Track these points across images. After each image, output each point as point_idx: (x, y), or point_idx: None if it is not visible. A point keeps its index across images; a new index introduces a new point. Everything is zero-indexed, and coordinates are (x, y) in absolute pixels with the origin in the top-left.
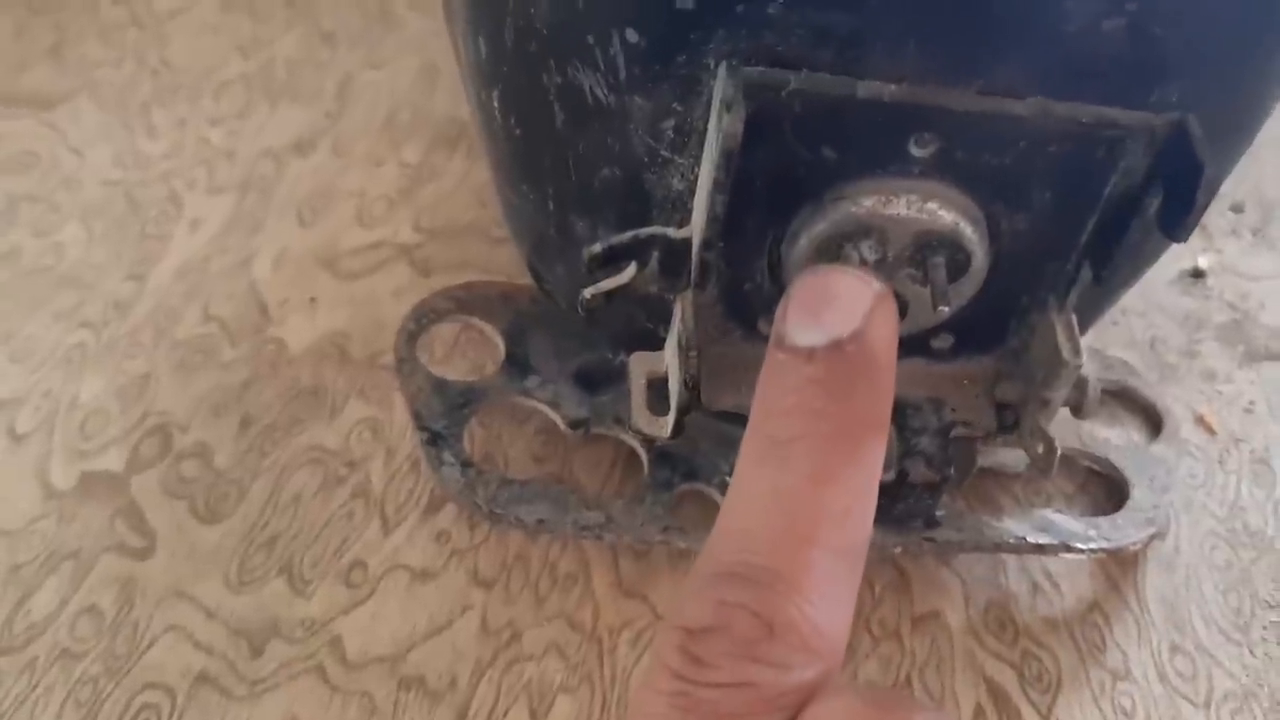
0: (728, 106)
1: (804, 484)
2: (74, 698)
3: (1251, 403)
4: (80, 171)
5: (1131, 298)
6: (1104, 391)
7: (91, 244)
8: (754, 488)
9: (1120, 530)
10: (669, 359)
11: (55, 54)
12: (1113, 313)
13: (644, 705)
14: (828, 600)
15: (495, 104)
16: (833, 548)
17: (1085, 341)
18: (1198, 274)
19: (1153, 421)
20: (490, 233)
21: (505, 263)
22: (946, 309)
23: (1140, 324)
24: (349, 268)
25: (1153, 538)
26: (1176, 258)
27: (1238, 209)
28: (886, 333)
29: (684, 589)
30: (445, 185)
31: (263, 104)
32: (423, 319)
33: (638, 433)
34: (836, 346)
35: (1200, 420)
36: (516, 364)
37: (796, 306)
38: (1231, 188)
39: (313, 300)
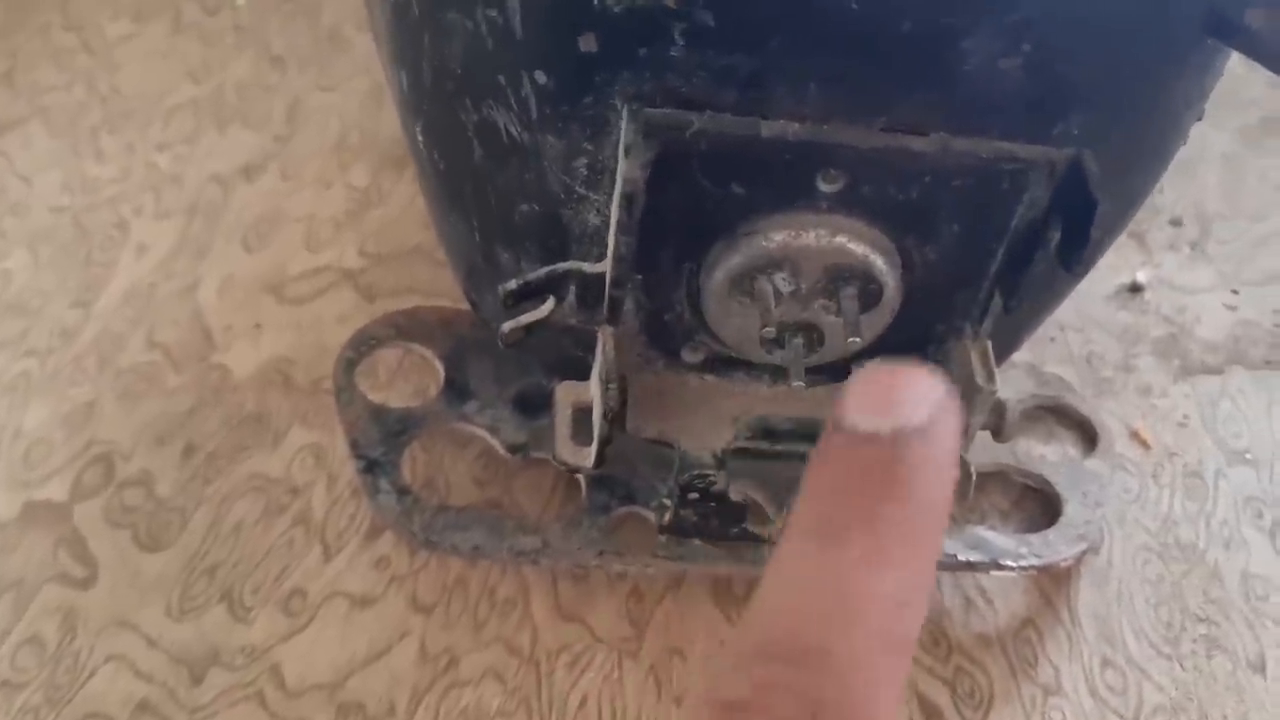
0: (627, 151)
1: (857, 565)
2: None
3: (1186, 416)
4: (28, 198)
5: (1068, 313)
6: (1039, 407)
7: (38, 270)
8: (804, 565)
9: (1052, 546)
10: (593, 390)
11: (7, 80)
12: (1050, 329)
13: None
14: (874, 691)
15: (420, 137)
16: (883, 635)
17: (1021, 358)
18: (1136, 288)
19: (1088, 437)
20: (435, 256)
21: (450, 287)
22: (859, 339)
23: (1078, 339)
24: (294, 293)
25: (1084, 553)
26: (1115, 272)
27: (1176, 223)
28: (952, 430)
29: (717, 663)
30: (391, 209)
31: (211, 128)
32: (362, 346)
33: (562, 463)
34: (901, 434)
35: (1135, 435)
36: (456, 389)
37: (860, 394)
38: (1170, 202)
39: (258, 326)
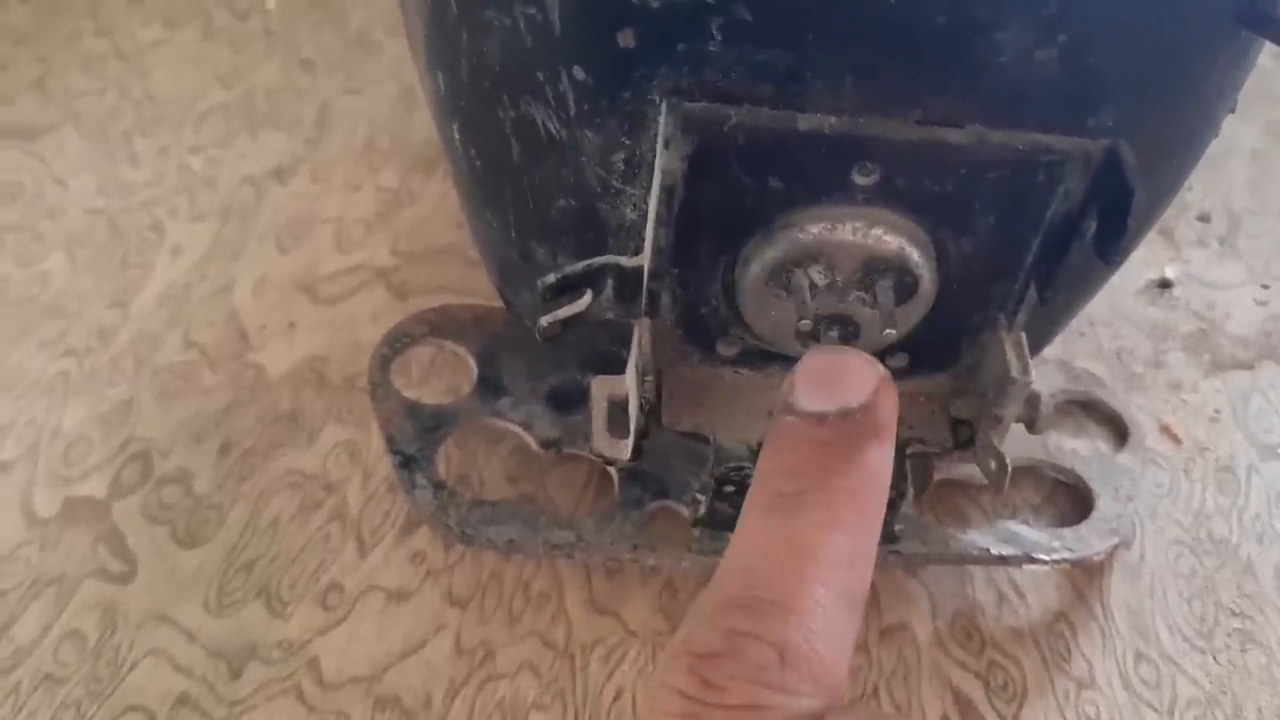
0: (666, 143)
1: (812, 530)
2: None
3: (1217, 411)
4: (64, 201)
5: (1099, 308)
6: (1070, 402)
7: (75, 273)
8: (762, 533)
9: (1084, 541)
10: (629, 383)
11: (40, 86)
12: (1080, 324)
13: None
14: (832, 638)
15: (456, 135)
16: (837, 590)
17: (1052, 353)
18: (1165, 284)
19: (1119, 432)
20: (467, 255)
21: (481, 284)
22: (894, 331)
23: (1107, 334)
24: (327, 292)
25: (1116, 547)
26: (1144, 268)
27: (1205, 219)
28: (891, 409)
29: (688, 620)
30: (423, 209)
31: (243, 132)
32: (396, 344)
33: (599, 456)
34: (847, 414)
35: (1166, 430)
36: (489, 386)
37: (806, 380)
38: (1199, 198)
39: (291, 325)
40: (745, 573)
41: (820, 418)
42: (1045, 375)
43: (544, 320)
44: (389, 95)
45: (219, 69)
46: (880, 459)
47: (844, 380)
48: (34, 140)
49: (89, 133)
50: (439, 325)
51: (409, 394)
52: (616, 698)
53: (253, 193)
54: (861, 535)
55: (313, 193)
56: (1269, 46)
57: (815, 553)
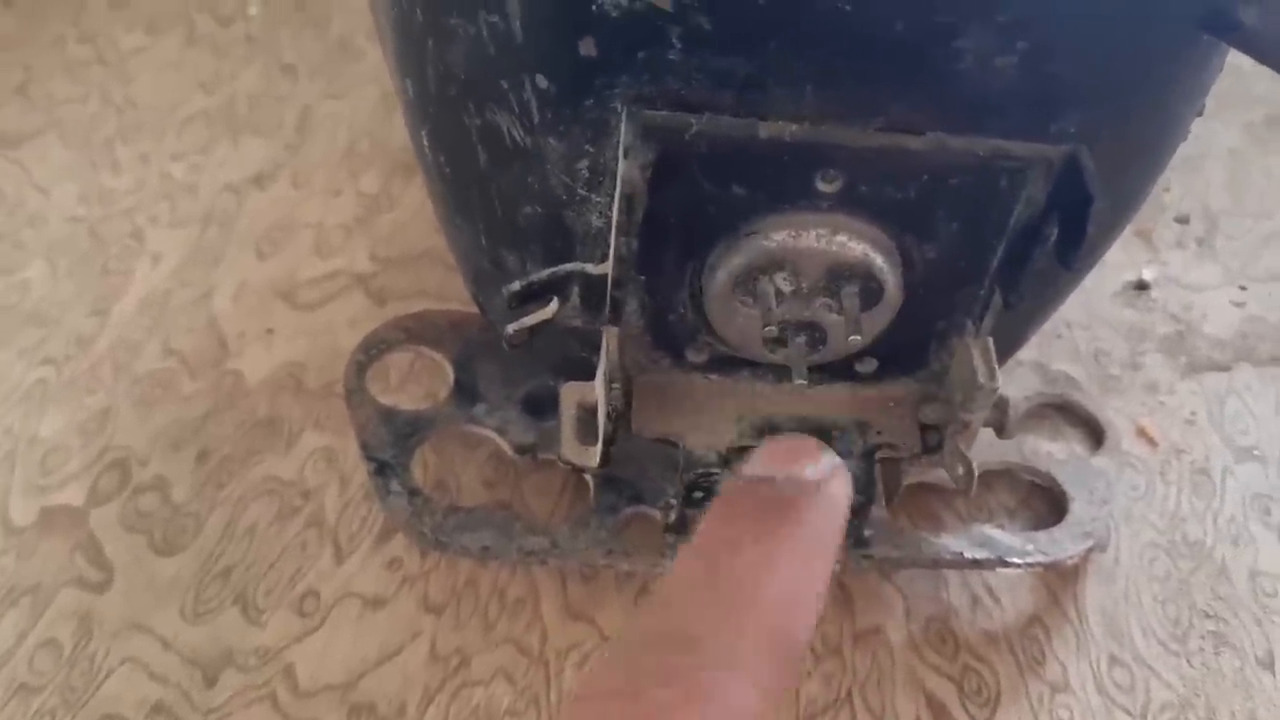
0: (626, 152)
1: (744, 568)
2: None
3: (1193, 414)
4: (45, 209)
5: (1075, 311)
6: (1046, 405)
7: (56, 280)
8: (691, 568)
9: (1058, 544)
10: (598, 389)
11: (22, 92)
12: (1057, 326)
13: None
14: (748, 682)
15: (426, 142)
16: (769, 635)
17: (1028, 356)
18: (1142, 286)
19: (1095, 434)
20: (446, 260)
21: (460, 290)
22: (859, 337)
23: (1084, 337)
24: (306, 298)
25: (1091, 550)
26: (1122, 270)
27: (1183, 220)
28: (841, 489)
29: (597, 659)
30: (402, 214)
31: (224, 138)
32: (372, 350)
33: (567, 463)
34: (795, 480)
35: (1142, 432)
36: (465, 392)
37: (761, 455)
38: (1177, 199)
39: (270, 331)
40: (662, 608)
41: (770, 481)
42: (1021, 378)
43: (510, 327)
44: (370, 100)
45: (201, 75)
46: (826, 524)
47: (799, 457)
48: (16, 148)
49: (71, 140)
50: (416, 331)
51: (386, 400)
52: None
53: (233, 199)
54: (799, 585)
55: (293, 198)
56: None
57: (745, 593)
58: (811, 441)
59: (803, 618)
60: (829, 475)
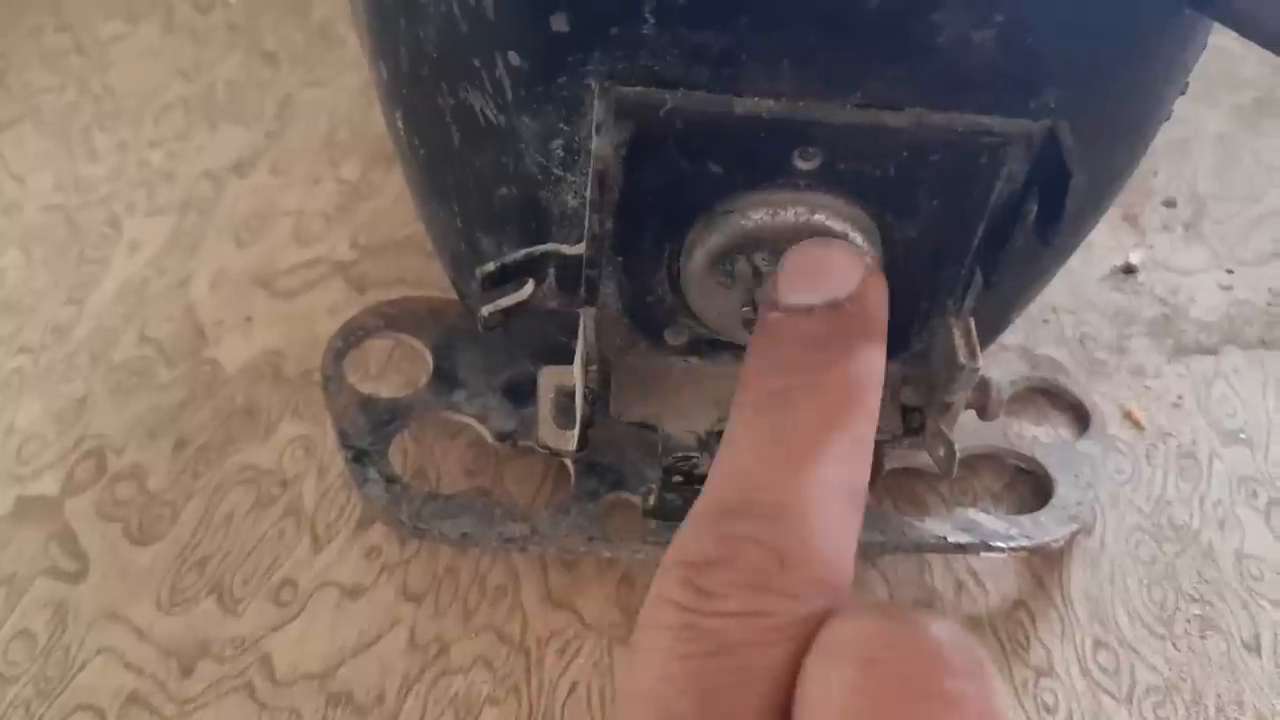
0: (598, 128)
1: (807, 425)
2: None
3: (1180, 397)
4: (21, 197)
5: (1062, 295)
6: (1032, 389)
7: (31, 269)
8: (754, 431)
9: (1042, 528)
10: (575, 373)
11: None
12: (1043, 310)
13: (648, 640)
14: (834, 535)
15: (400, 124)
16: (836, 487)
17: (1013, 340)
18: (1129, 269)
19: (1080, 418)
20: (426, 248)
21: (440, 277)
22: None
23: (1070, 321)
24: (285, 286)
25: (1076, 534)
26: (1108, 253)
27: (1170, 204)
28: (879, 298)
29: (682, 530)
30: (383, 202)
31: (203, 126)
32: (350, 337)
33: (544, 448)
34: (835, 305)
35: (1128, 416)
36: (445, 378)
37: (791, 273)
38: (1164, 183)
39: (249, 319)
40: (737, 475)
41: (806, 311)
42: (1006, 362)
43: (485, 310)
44: (351, 88)
45: (180, 63)
46: (871, 349)
47: (829, 272)
48: None
49: (48, 128)
50: (394, 318)
51: (366, 388)
52: (571, 691)
53: (212, 187)
54: (856, 428)
55: (272, 186)
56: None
57: (809, 448)
58: (836, 246)
59: (863, 463)
60: (864, 285)
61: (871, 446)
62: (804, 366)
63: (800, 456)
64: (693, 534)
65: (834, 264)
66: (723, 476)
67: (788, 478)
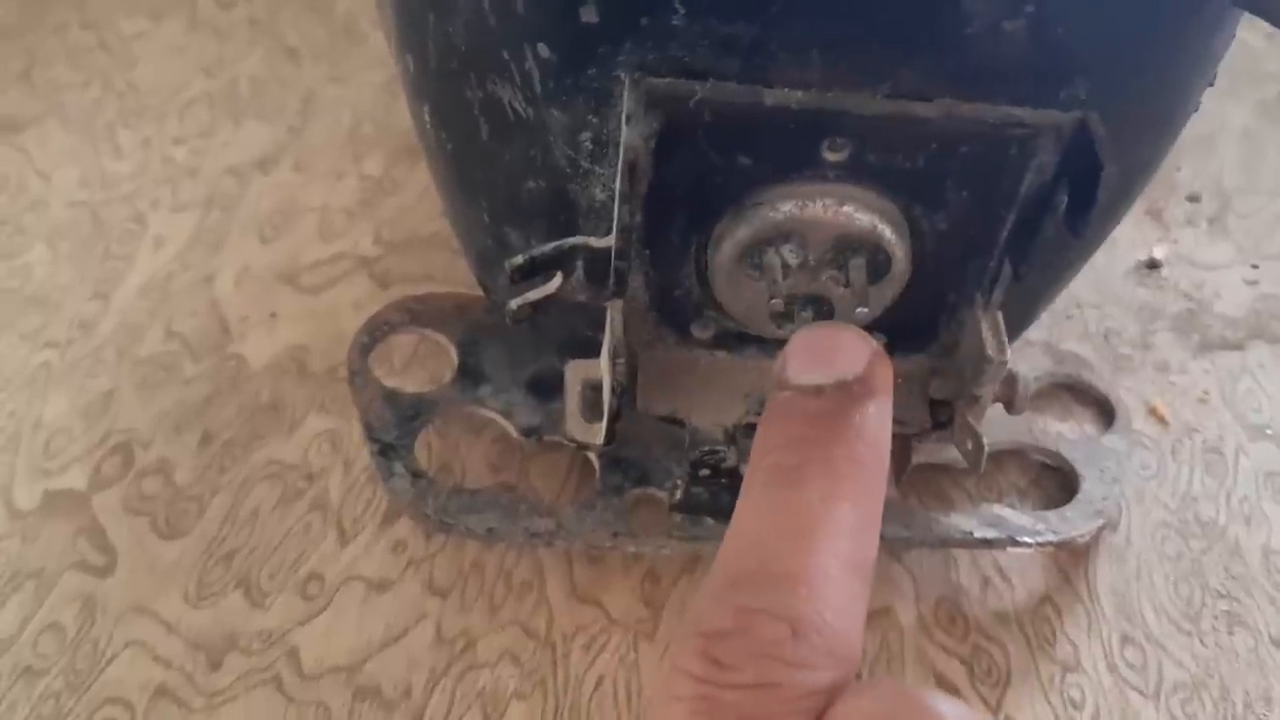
0: (628, 119)
1: (816, 500)
2: (36, 714)
3: (1205, 392)
4: (47, 194)
5: (1086, 290)
6: (1057, 385)
7: (57, 265)
8: (765, 506)
9: (1068, 523)
10: (602, 366)
11: (25, 78)
12: (1068, 306)
13: (665, 714)
14: (845, 607)
15: (427, 118)
16: (846, 560)
17: (1038, 336)
18: (1153, 264)
19: (1105, 414)
20: (450, 243)
21: (465, 273)
22: (866, 309)
23: (1095, 316)
24: (310, 282)
25: (1102, 529)
26: (1133, 248)
27: (1194, 199)
28: (886, 378)
29: (697, 599)
30: (406, 197)
31: (227, 122)
32: (376, 332)
33: (572, 440)
34: (844, 385)
35: (1153, 411)
36: (470, 374)
37: (798, 355)
38: (1189, 178)
39: (273, 315)
40: (751, 548)
41: (816, 390)
42: (1031, 358)
43: (513, 302)
44: (374, 84)
45: (203, 59)
46: (879, 426)
47: (837, 353)
48: (18, 133)
49: (73, 125)
50: (420, 313)
51: (390, 383)
52: (597, 686)
53: (236, 183)
54: (866, 502)
55: (296, 182)
56: (1254, 21)
57: (821, 523)
58: (845, 331)
59: (871, 537)
60: (871, 366)
61: (879, 519)
62: (814, 444)
63: (811, 530)
64: (708, 605)
65: (842, 345)
66: (736, 549)
67: (799, 552)
